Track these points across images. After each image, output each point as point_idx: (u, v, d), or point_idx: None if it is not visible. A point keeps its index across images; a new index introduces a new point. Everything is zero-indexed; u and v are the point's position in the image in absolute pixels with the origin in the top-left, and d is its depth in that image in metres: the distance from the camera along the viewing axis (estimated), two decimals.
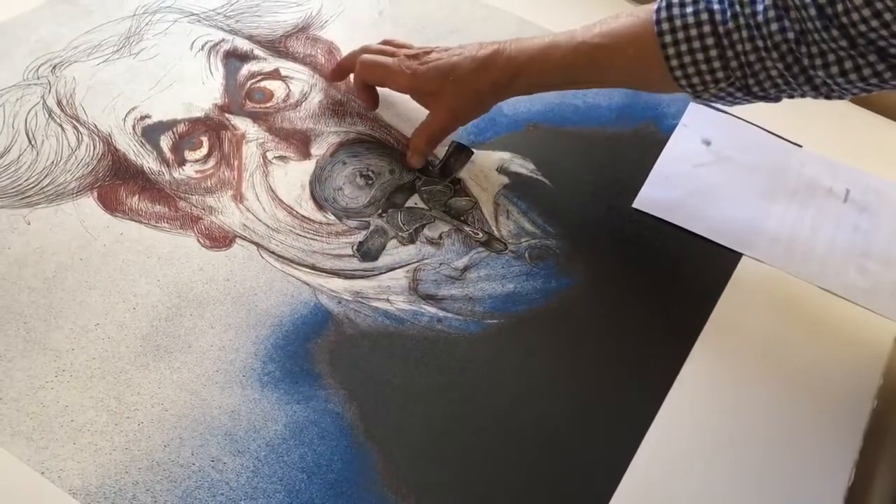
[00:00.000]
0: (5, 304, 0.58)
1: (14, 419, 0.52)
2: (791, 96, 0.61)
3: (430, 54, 0.70)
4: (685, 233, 0.70)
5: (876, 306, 0.67)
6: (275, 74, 0.77)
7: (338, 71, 0.77)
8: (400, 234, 0.66)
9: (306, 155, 0.71)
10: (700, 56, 0.59)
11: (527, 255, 0.66)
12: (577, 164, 0.74)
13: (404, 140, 0.73)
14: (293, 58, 0.79)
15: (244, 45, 0.79)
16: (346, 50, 0.81)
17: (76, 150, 0.67)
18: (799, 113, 0.74)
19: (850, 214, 0.73)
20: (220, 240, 0.64)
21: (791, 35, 0.56)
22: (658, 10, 0.60)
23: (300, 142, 0.72)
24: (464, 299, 0.63)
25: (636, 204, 0.71)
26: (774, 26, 0.56)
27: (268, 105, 0.74)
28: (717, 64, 0.59)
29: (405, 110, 0.76)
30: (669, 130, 0.79)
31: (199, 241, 0.64)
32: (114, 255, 0.62)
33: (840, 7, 0.52)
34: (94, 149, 0.68)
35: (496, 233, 0.68)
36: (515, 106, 0.79)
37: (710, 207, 0.72)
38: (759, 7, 0.57)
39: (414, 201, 0.69)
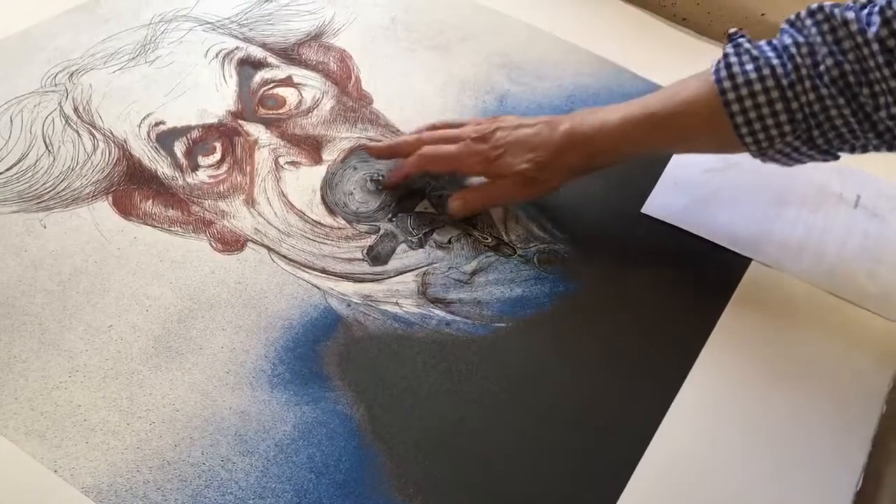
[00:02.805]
0: (21, 305, 0.59)
1: (28, 418, 0.53)
2: (853, 148, 0.59)
3: (496, 133, 0.67)
4: (694, 238, 0.70)
5: (886, 311, 0.67)
6: (287, 81, 0.78)
7: (387, 152, 0.72)
8: (409, 238, 0.67)
9: (318, 160, 0.72)
10: (766, 110, 0.58)
11: (535, 259, 0.67)
12: None
13: None
14: (306, 65, 0.80)
15: (257, 52, 0.80)
16: (358, 57, 0.82)
17: (92, 156, 0.69)
18: None
19: (860, 220, 0.73)
20: (232, 243, 0.65)
21: (852, 78, 0.55)
22: (717, 71, 0.59)
23: (312, 147, 0.72)
24: (472, 303, 0.63)
25: (645, 209, 0.72)
26: (835, 72, 0.55)
27: (280, 111, 0.75)
28: (783, 117, 0.58)
29: (416, 116, 0.77)
30: None
31: (211, 244, 0.64)
32: (127, 258, 0.63)
33: None
34: (110, 154, 0.69)
35: (505, 237, 0.68)
36: (525, 111, 0.80)
37: (719, 213, 0.72)
38: (819, 56, 0.56)
39: (424, 206, 0.69)
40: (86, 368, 0.56)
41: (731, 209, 0.72)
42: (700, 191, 0.74)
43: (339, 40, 0.84)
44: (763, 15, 0.91)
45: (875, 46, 0.53)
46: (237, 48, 0.80)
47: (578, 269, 0.67)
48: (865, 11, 0.55)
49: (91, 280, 0.61)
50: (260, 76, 0.78)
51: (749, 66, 0.58)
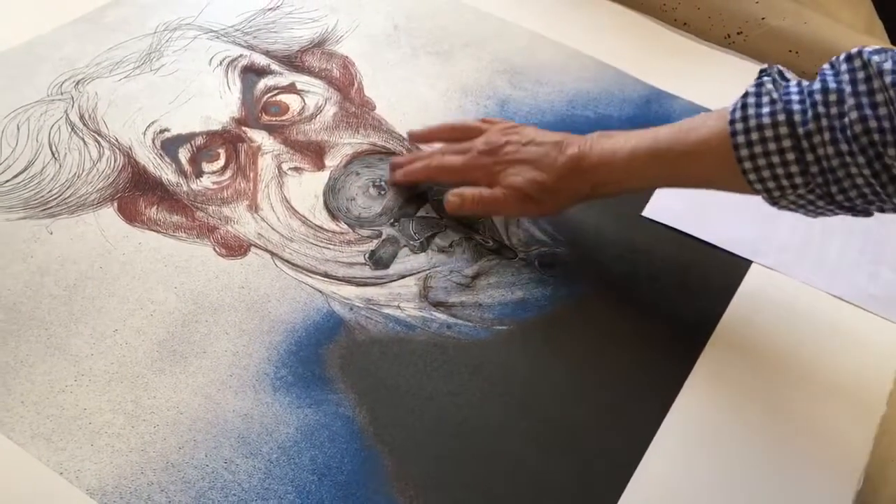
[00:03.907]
0: (28, 310, 0.60)
1: (34, 421, 0.54)
2: (882, 209, 0.55)
3: (505, 147, 0.66)
4: (694, 240, 0.70)
5: (887, 313, 0.67)
6: (291, 88, 0.79)
7: (402, 172, 0.71)
8: (411, 242, 0.67)
9: (320, 166, 0.72)
10: (776, 159, 0.54)
11: (536, 262, 0.67)
12: None
13: (416, 150, 0.75)
14: (309, 72, 0.81)
15: (261, 60, 0.81)
16: (360, 64, 0.83)
17: (97, 163, 0.69)
18: None
19: (861, 221, 0.73)
20: (235, 248, 0.65)
21: (877, 136, 0.50)
22: (734, 111, 0.56)
23: (315, 153, 0.73)
24: (473, 306, 0.64)
25: (646, 212, 0.72)
26: (859, 127, 0.51)
27: (283, 118, 0.76)
28: (794, 168, 0.54)
29: (418, 121, 0.77)
30: None
31: (215, 249, 0.65)
32: (132, 263, 0.63)
33: None
34: (115, 161, 0.70)
35: (506, 241, 0.68)
36: (527, 118, 0.80)
37: (719, 215, 0.72)
38: (846, 106, 0.51)
39: (425, 210, 0.70)
40: (91, 372, 0.57)
41: (732, 212, 0.72)
42: (701, 193, 0.74)
43: (341, 47, 0.85)
44: (763, 19, 0.91)
45: None
46: (241, 56, 0.81)
47: (579, 273, 0.67)
48: None
49: (96, 285, 0.62)
50: (263, 83, 0.79)
51: (765, 109, 0.54)
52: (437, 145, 0.73)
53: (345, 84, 0.81)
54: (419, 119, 0.78)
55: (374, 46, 0.86)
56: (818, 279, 0.69)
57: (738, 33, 0.92)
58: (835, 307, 0.67)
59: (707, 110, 0.82)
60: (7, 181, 0.67)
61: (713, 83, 0.86)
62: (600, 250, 0.69)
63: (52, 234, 0.64)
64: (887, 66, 0.50)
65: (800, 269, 0.69)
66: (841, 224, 0.72)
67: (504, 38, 0.89)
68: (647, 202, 0.73)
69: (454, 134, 0.72)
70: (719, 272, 0.69)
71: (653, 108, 0.83)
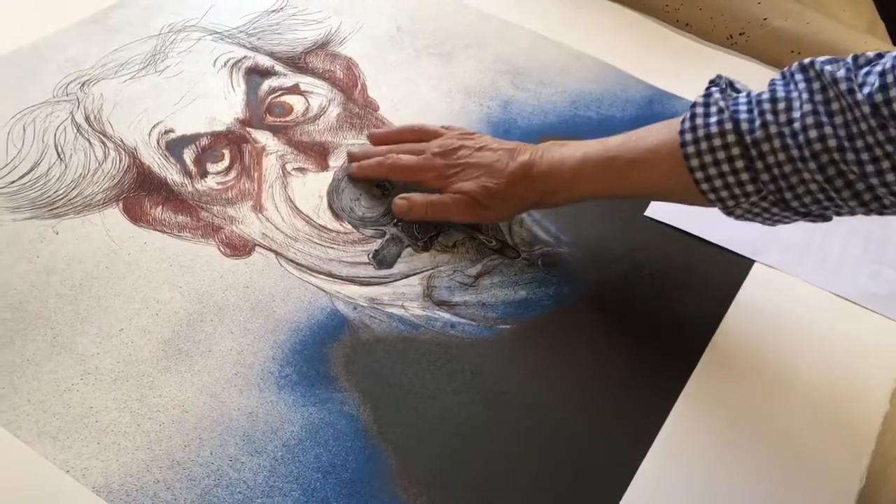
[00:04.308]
0: (34, 310, 0.60)
1: (41, 420, 0.54)
2: (839, 213, 0.56)
3: (459, 151, 0.67)
4: (697, 240, 0.71)
5: (889, 312, 0.67)
6: (295, 89, 0.79)
7: (360, 157, 0.72)
8: (415, 242, 0.68)
9: (324, 166, 0.73)
10: (726, 167, 0.55)
11: (539, 262, 0.68)
12: None
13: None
14: (312, 73, 0.81)
15: (265, 61, 0.82)
16: (364, 65, 0.84)
17: (103, 164, 0.70)
18: None
19: (863, 220, 0.73)
20: (240, 248, 0.66)
21: (833, 143, 0.51)
22: (683, 121, 0.56)
23: (318, 154, 0.74)
24: (477, 305, 0.64)
25: (648, 212, 0.72)
26: (813, 133, 0.51)
27: (287, 119, 0.76)
28: (744, 176, 0.54)
29: (422, 121, 0.78)
30: None
31: (219, 249, 0.65)
32: (138, 263, 0.64)
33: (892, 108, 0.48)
34: (120, 162, 0.70)
35: (509, 241, 0.69)
36: (530, 118, 0.80)
37: (721, 215, 0.72)
38: (796, 113, 0.52)
39: None
40: (97, 371, 0.57)
41: None
42: None
43: (345, 48, 0.85)
44: (765, 20, 0.91)
45: (866, 109, 0.50)
46: (245, 57, 0.82)
47: (582, 272, 0.67)
48: (864, 71, 0.51)
49: (102, 285, 0.62)
50: (267, 84, 0.79)
51: (713, 119, 0.55)
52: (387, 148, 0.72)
53: (348, 85, 0.81)
54: (422, 119, 0.78)
55: (378, 48, 0.86)
56: (820, 278, 0.69)
57: (740, 34, 0.93)
58: (837, 306, 0.68)
59: None
60: (13, 182, 0.68)
61: None
62: (603, 250, 0.69)
63: (58, 234, 0.65)
64: (841, 74, 0.51)
65: (802, 268, 0.70)
66: (842, 224, 0.72)
67: (506, 39, 0.90)
68: (650, 202, 0.73)
69: (413, 136, 0.73)
70: (722, 271, 0.69)
71: (655, 109, 0.83)
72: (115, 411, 0.55)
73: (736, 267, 0.69)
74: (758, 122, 0.54)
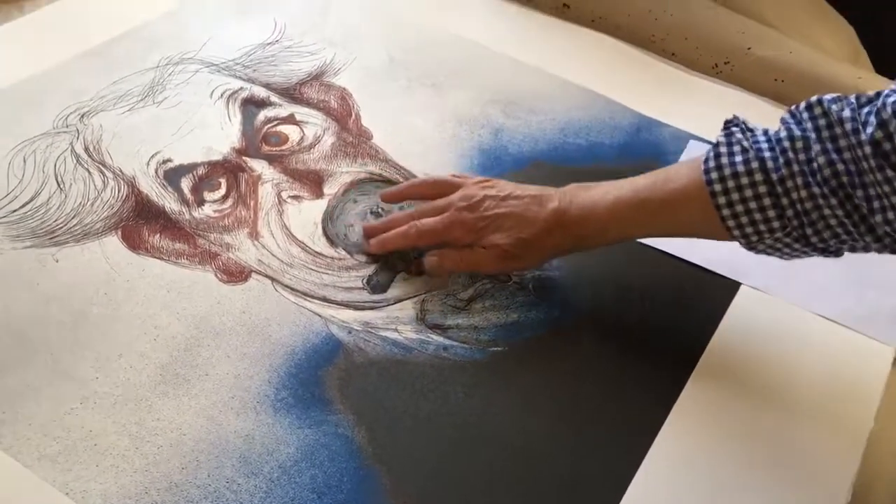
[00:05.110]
0: (34, 336, 0.61)
1: (41, 444, 0.55)
2: (854, 248, 0.57)
3: (485, 202, 0.66)
4: (684, 263, 0.72)
5: (873, 332, 0.69)
6: (290, 119, 0.81)
7: (381, 229, 0.69)
8: (408, 267, 0.69)
9: (319, 194, 0.74)
10: (753, 205, 0.56)
11: (530, 286, 0.69)
12: None
13: (412, 178, 0.77)
14: (307, 103, 0.83)
15: (261, 92, 0.83)
16: (358, 95, 0.85)
17: (102, 193, 0.71)
18: None
19: None
20: (236, 274, 0.67)
21: (846, 179, 0.53)
22: (706, 160, 0.58)
23: (313, 182, 0.75)
24: (469, 328, 0.65)
25: None
26: (828, 171, 0.54)
27: (283, 148, 0.78)
28: (771, 213, 0.56)
29: (414, 150, 0.79)
30: None
31: (216, 275, 0.67)
32: (136, 290, 0.65)
33: (893, 143, 0.50)
34: (119, 191, 0.72)
35: None
36: (520, 145, 0.82)
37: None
38: (813, 152, 0.55)
39: None
40: (96, 395, 0.58)
41: None
42: None
43: (339, 79, 0.87)
44: (749, 49, 0.94)
45: (868, 149, 0.52)
46: (241, 88, 0.83)
47: (572, 296, 0.69)
48: (866, 110, 0.53)
49: (101, 311, 0.63)
50: (263, 115, 0.81)
51: (738, 158, 0.57)
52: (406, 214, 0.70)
53: (342, 115, 0.83)
54: (415, 148, 0.80)
55: (371, 78, 0.88)
56: (806, 300, 0.70)
57: (724, 63, 0.95)
58: (823, 327, 0.69)
59: (696, 137, 0.85)
60: (14, 211, 0.69)
61: (701, 111, 0.89)
62: (592, 273, 0.71)
63: (58, 261, 0.66)
64: (846, 114, 0.53)
65: (787, 290, 0.71)
66: None
67: (497, 69, 0.92)
68: None
69: (428, 190, 0.71)
70: (709, 294, 0.70)
71: (643, 136, 0.85)
72: (114, 435, 0.56)
73: (723, 289, 0.71)
74: (781, 161, 0.55)
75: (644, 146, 0.84)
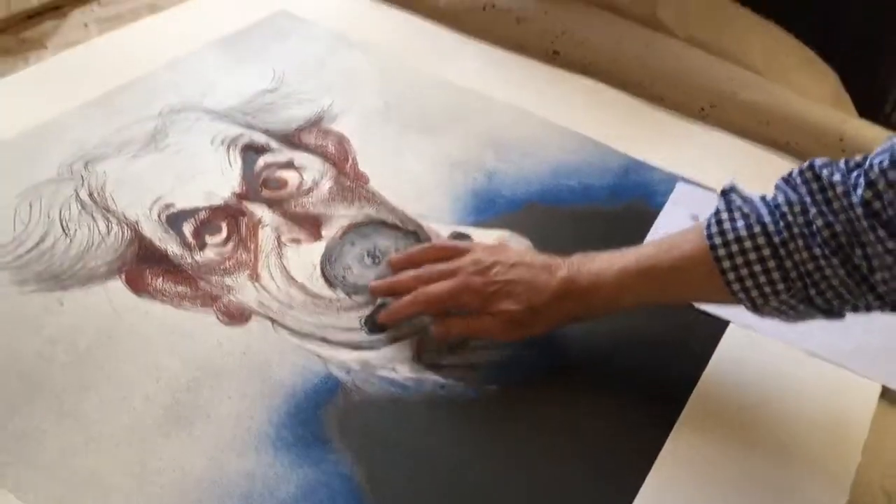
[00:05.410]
0: (39, 378, 0.62)
1: (46, 485, 0.56)
2: (856, 308, 0.59)
3: (495, 268, 0.66)
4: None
5: (859, 368, 0.70)
6: (289, 165, 0.83)
7: (386, 291, 0.71)
8: None
9: (318, 237, 0.76)
10: (758, 267, 0.58)
11: None
12: (572, 240, 0.78)
13: (409, 220, 0.79)
14: (306, 149, 0.86)
15: (260, 138, 0.86)
16: (354, 140, 0.88)
17: (106, 238, 0.73)
18: None
19: None
20: (237, 316, 0.69)
21: (844, 239, 0.55)
22: (708, 226, 0.60)
23: (312, 225, 0.77)
24: (465, 367, 0.67)
25: None
26: (826, 232, 0.56)
27: (282, 192, 0.80)
28: (776, 275, 0.58)
29: (409, 193, 0.82)
30: (659, 207, 0.84)
31: (218, 317, 0.68)
32: (139, 332, 0.66)
33: (882, 202, 0.53)
34: (123, 236, 0.74)
35: None
36: (514, 187, 0.85)
37: None
38: (811, 215, 0.57)
39: None
40: (101, 437, 0.59)
41: None
42: None
43: (336, 125, 0.90)
44: (735, 93, 0.96)
45: (860, 210, 0.54)
46: (241, 135, 0.86)
47: (565, 335, 0.70)
48: (855, 174, 0.56)
49: (105, 353, 0.65)
50: (263, 160, 0.83)
51: (740, 223, 0.58)
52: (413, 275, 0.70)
53: (340, 159, 0.85)
54: (410, 191, 0.82)
55: (367, 124, 0.91)
56: (793, 336, 0.72)
57: (711, 107, 0.97)
58: (810, 364, 0.71)
59: (684, 180, 0.87)
60: (20, 256, 0.71)
61: (689, 154, 0.92)
62: None
63: (63, 305, 0.68)
64: (836, 178, 0.56)
65: (775, 328, 0.72)
66: None
67: (489, 114, 0.94)
68: None
69: (437, 255, 0.71)
70: (698, 333, 0.72)
71: (632, 178, 0.87)
72: (118, 475, 0.57)
73: (711, 328, 0.72)
74: (781, 224, 0.57)
75: (633, 187, 0.86)
